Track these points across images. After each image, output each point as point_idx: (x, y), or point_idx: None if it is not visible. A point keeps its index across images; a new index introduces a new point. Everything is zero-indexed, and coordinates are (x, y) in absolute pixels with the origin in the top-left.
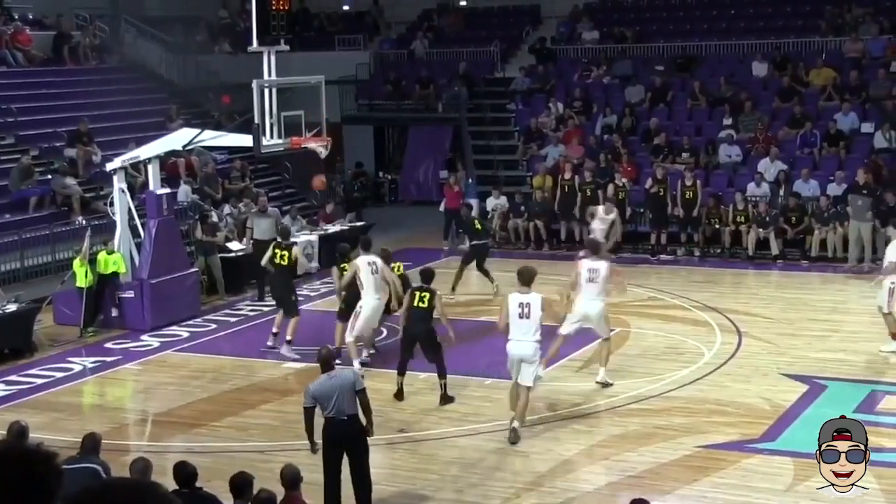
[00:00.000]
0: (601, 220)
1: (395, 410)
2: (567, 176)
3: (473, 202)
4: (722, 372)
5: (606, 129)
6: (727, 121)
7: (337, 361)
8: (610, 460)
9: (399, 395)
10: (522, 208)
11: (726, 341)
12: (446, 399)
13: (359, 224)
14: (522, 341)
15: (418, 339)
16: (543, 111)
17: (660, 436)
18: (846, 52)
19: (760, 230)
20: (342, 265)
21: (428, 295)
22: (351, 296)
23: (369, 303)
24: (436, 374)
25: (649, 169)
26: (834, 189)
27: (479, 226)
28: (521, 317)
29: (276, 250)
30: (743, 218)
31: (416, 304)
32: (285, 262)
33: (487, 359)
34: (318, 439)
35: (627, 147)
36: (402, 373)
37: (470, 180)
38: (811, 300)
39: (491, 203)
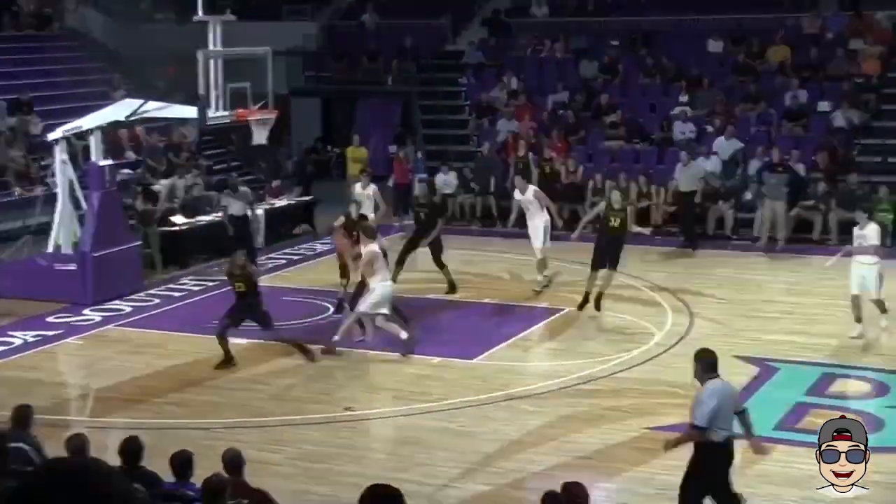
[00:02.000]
0: None
1: (341, 389)
2: (521, 153)
3: (422, 177)
4: (673, 353)
5: (559, 104)
6: (683, 97)
7: None
8: (558, 441)
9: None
10: (472, 185)
11: (677, 322)
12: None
13: (305, 199)
14: (863, 264)
15: None
16: (495, 85)
17: (609, 417)
18: (805, 28)
19: (720, 202)
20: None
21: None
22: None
23: None
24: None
25: (602, 146)
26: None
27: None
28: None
29: None
30: (701, 198)
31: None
32: None
33: (435, 337)
34: None
35: (580, 123)
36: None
37: (419, 155)
38: (765, 281)
39: (440, 179)
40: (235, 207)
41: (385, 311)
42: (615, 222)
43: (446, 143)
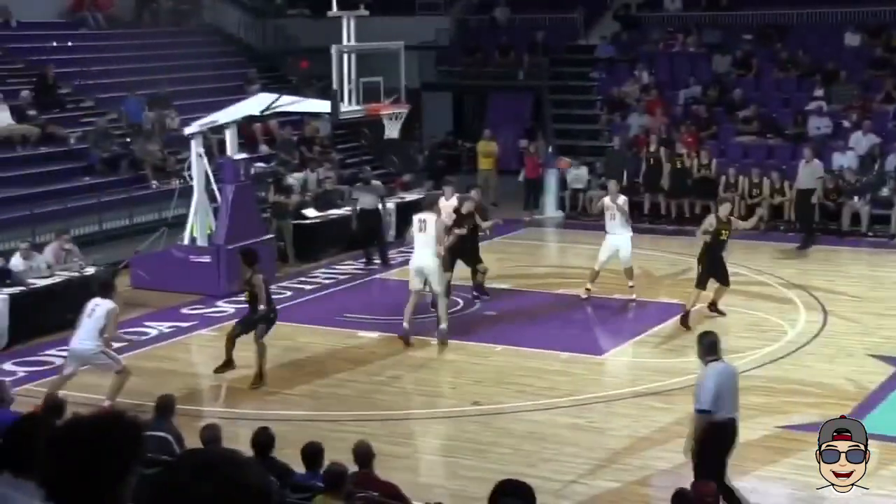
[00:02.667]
0: None
1: (470, 383)
2: (652, 148)
3: (552, 171)
4: (805, 351)
5: (691, 99)
6: (818, 92)
7: None
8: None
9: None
10: (603, 179)
11: (811, 319)
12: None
13: (436, 193)
14: None
15: None
16: (627, 80)
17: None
18: None
19: (856, 198)
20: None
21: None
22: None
23: None
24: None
25: (734, 141)
26: None
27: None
28: None
29: None
30: (835, 194)
31: None
32: None
33: (564, 333)
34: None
35: (712, 118)
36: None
37: (550, 149)
38: None
39: (571, 174)
40: (367, 201)
41: (415, 283)
42: (725, 235)
43: (577, 138)
